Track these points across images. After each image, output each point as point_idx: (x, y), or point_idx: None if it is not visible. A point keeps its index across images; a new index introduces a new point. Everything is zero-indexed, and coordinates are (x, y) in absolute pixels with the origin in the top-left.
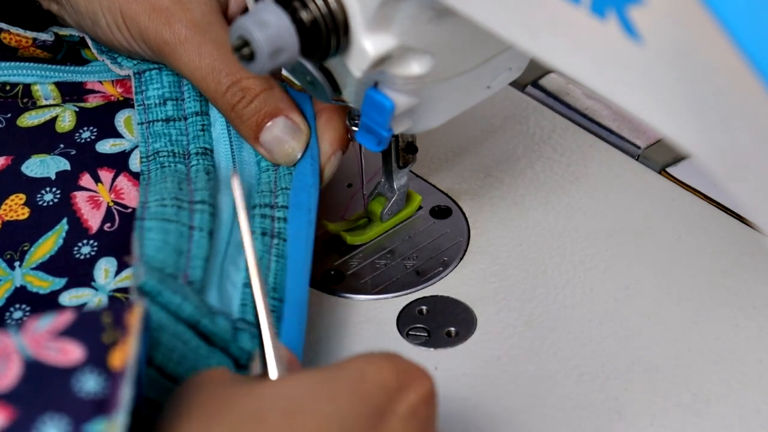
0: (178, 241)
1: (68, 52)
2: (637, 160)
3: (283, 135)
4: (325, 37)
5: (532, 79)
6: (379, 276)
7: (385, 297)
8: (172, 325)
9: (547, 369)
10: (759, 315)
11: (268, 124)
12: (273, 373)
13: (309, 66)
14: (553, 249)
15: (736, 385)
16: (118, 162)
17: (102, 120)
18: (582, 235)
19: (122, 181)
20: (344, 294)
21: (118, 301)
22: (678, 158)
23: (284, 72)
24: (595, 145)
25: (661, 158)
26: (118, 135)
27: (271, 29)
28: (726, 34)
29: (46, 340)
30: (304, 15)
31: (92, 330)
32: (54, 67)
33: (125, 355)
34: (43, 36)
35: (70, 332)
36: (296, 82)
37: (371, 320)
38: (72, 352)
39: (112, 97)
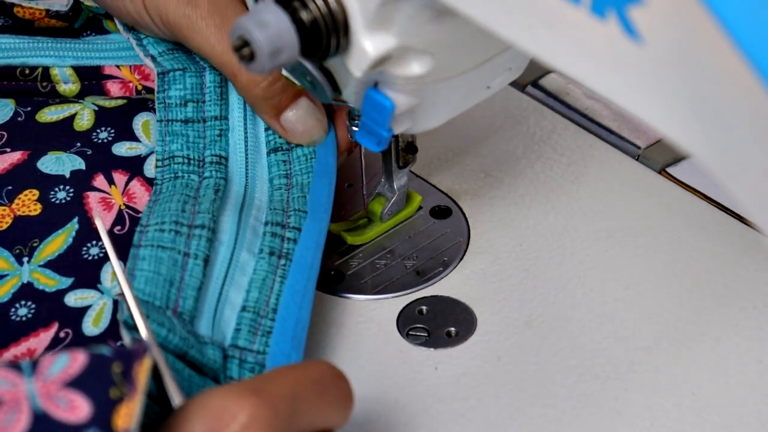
0: (170, 271)
1: (87, 21)
2: (637, 160)
3: (305, 115)
4: (325, 37)
5: (532, 79)
6: (379, 276)
7: (385, 297)
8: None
9: (547, 369)
10: (759, 315)
11: (291, 104)
12: (174, 401)
13: (309, 66)
14: (553, 249)
15: (736, 385)
16: (133, 166)
17: (120, 121)
18: (582, 235)
19: (135, 185)
20: (344, 294)
21: (128, 349)
22: (678, 158)
23: (284, 72)
24: (595, 145)
25: (661, 158)
26: (135, 138)
27: (271, 29)
28: (726, 34)
29: (57, 389)
30: (304, 15)
31: (101, 382)
32: (70, 45)
33: (130, 415)
34: (56, 6)
35: (80, 383)
36: (296, 82)
37: (371, 320)
38: (79, 409)
39: (131, 84)
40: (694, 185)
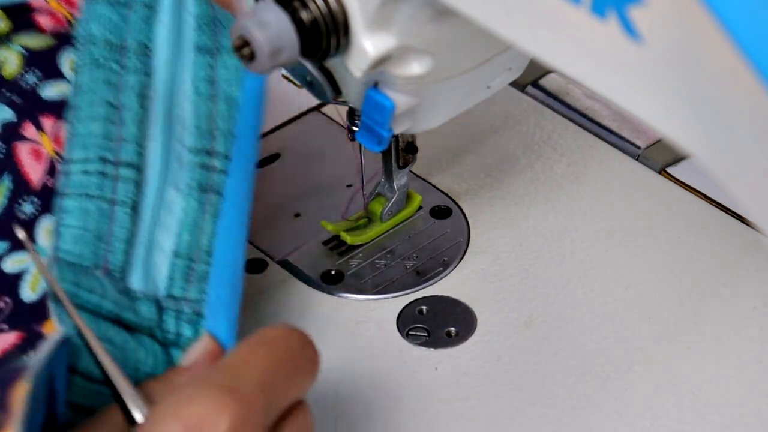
0: (98, 224)
1: None
2: (637, 160)
3: None
4: (325, 37)
5: (532, 79)
6: (379, 276)
7: (385, 297)
8: (93, 326)
9: (547, 369)
10: (759, 315)
11: None
12: (138, 417)
13: (309, 66)
14: (553, 249)
15: (736, 385)
16: (61, 109)
17: (48, 61)
18: (582, 235)
19: (64, 127)
20: (344, 294)
21: (2, 376)
22: (678, 158)
23: (284, 72)
24: (595, 145)
25: (661, 158)
26: (62, 77)
27: (271, 29)
28: (726, 34)
29: None
30: (304, 15)
31: None
32: None
33: None
34: None
35: None
36: (296, 82)
37: (371, 320)
38: None
39: (59, 14)
40: (694, 185)
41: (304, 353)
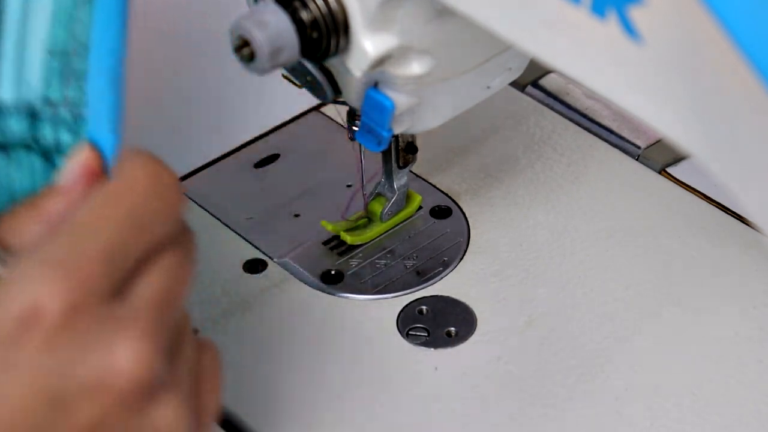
0: None
1: None
2: (637, 160)
3: None
4: (325, 37)
5: (532, 79)
6: (379, 276)
7: (385, 297)
8: None
9: (547, 369)
10: (759, 315)
11: None
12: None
13: (309, 66)
14: (553, 249)
15: (736, 385)
16: None
17: None
18: (582, 235)
19: None
20: (344, 294)
21: None
22: (678, 158)
23: (284, 72)
24: (595, 145)
25: (661, 158)
26: None
27: (271, 29)
28: (726, 34)
29: None
30: (304, 15)
31: None
32: None
33: None
34: None
35: None
36: (296, 82)
37: (371, 320)
38: None
39: None
40: (694, 185)
41: (163, 197)
